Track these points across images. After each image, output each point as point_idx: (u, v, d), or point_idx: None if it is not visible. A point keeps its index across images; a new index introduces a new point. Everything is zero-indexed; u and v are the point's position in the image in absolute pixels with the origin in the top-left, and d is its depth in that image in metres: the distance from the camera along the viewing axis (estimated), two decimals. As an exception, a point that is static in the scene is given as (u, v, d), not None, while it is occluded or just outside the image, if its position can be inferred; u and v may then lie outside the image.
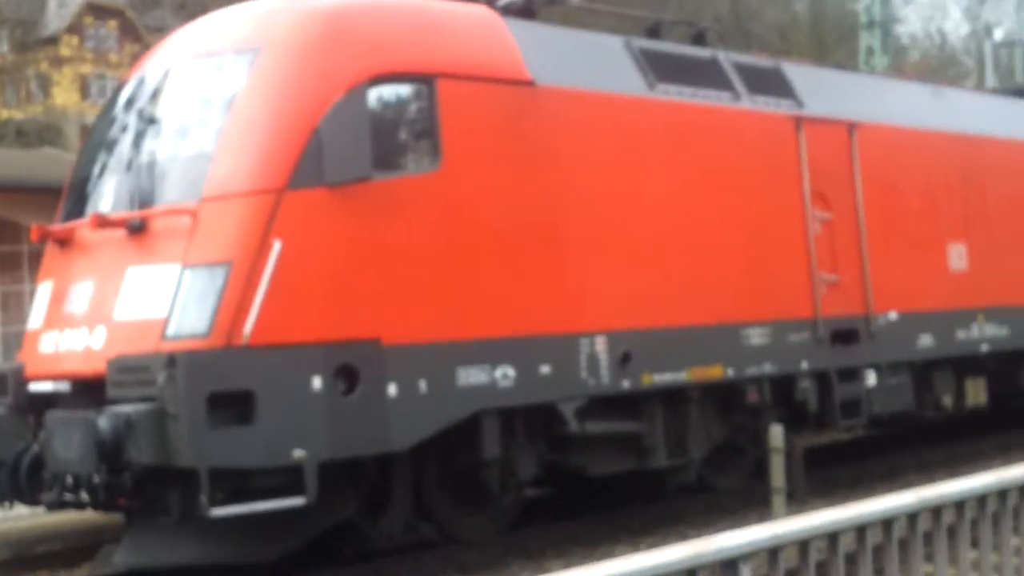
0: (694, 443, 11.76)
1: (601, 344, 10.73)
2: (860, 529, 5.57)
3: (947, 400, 14.57)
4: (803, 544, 5.30)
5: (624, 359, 10.85)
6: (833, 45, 41.23)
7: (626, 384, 10.89)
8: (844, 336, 12.95)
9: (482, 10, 11.07)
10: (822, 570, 5.62)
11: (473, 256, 9.92)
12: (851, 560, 5.69)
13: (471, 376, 9.77)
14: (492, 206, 10.12)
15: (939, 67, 49.41)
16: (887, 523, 5.71)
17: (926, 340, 13.83)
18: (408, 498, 10.22)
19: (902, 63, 43.83)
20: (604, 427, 10.97)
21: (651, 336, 11.10)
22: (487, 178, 10.14)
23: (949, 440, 16.22)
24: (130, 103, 10.31)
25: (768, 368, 12.14)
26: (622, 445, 11.32)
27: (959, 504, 6.01)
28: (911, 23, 53.23)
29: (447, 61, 10.16)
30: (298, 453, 8.65)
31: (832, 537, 5.46)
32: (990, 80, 29.26)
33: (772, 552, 5.11)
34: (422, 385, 9.43)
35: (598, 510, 12.07)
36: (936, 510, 5.92)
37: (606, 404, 10.94)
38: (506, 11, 11.29)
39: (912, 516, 5.78)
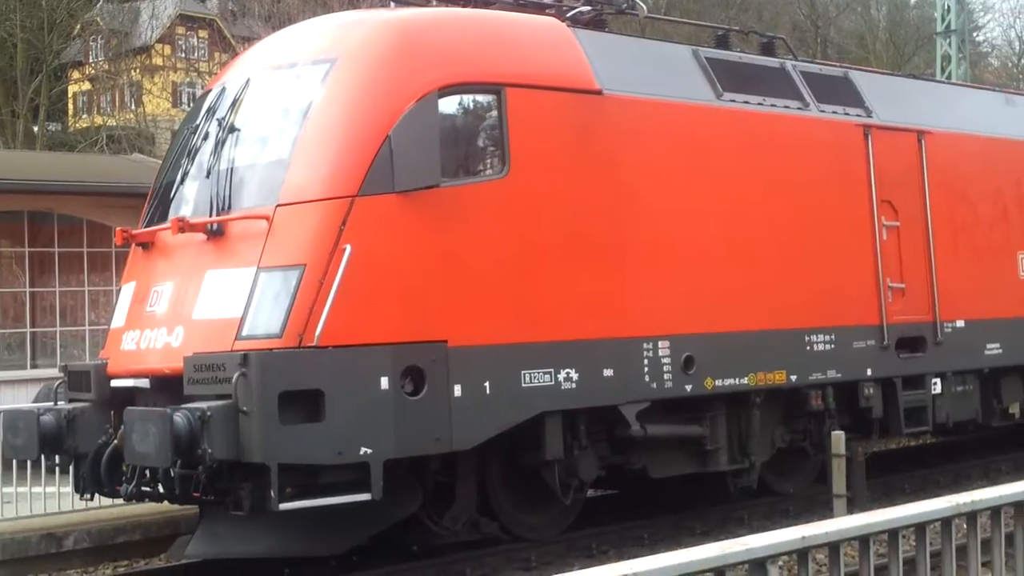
0: (756, 447, 11.87)
1: (664, 348, 10.88)
2: (892, 533, 5.62)
3: (1015, 408, 14.52)
4: (834, 547, 5.36)
5: (687, 363, 10.99)
6: (911, 52, 40.86)
7: (688, 388, 11.02)
8: (910, 343, 12.99)
9: (551, 21, 11.29)
10: (853, 575, 5.64)
11: (539, 261, 10.12)
12: (883, 568, 5.75)
13: (535, 378, 9.98)
14: (558, 212, 10.32)
15: (1020, 74, 48.62)
16: (920, 528, 5.75)
17: (994, 348, 13.81)
18: (472, 496, 10.48)
19: (981, 70, 43.24)
20: (666, 430, 11.12)
21: (714, 341, 11.23)
22: (554, 185, 10.34)
23: (1016, 448, 16.09)
24: (211, 112, 10.60)
25: (832, 374, 12.20)
26: (684, 448, 11.48)
27: (995, 510, 6.03)
28: (990, 30, 52.59)
29: (515, 71, 10.39)
30: (365, 451, 8.89)
31: (864, 541, 5.51)
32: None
33: (801, 554, 5.18)
34: (487, 386, 9.64)
35: (662, 511, 12.23)
36: (971, 516, 5.95)
37: (669, 407, 11.10)
38: (575, 22, 11.49)
39: (946, 521, 5.81)
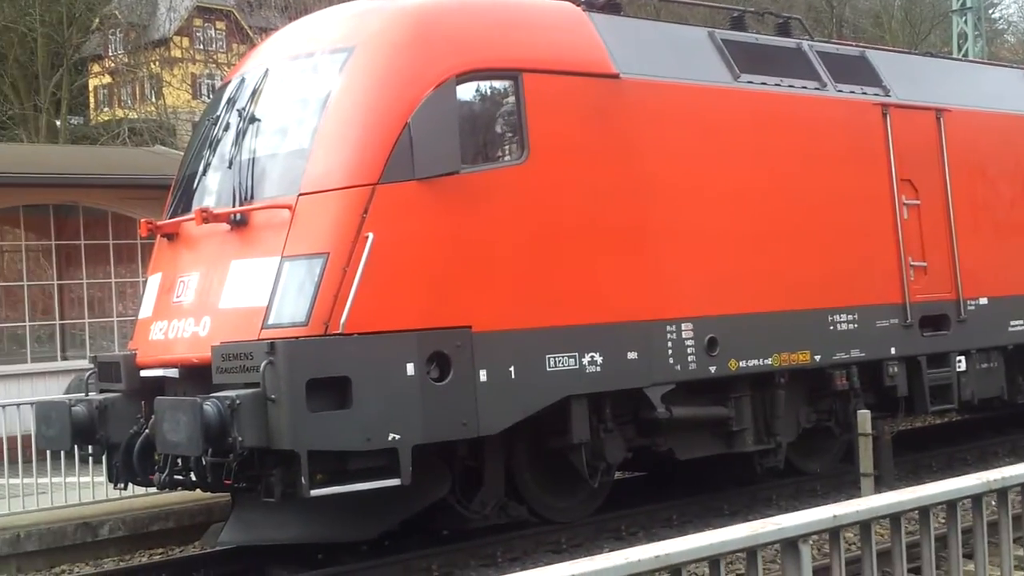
0: (782, 428, 11.89)
1: (687, 331, 10.91)
2: (923, 511, 5.62)
3: (1039, 385, 14.49)
4: (865, 525, 5.37)
5: (710, 345, 11.02)
6: (927, 30, 40.62)
7: (712, 370, 11.06)
8: (933, 321, 12.99)
9: (567, 5, 11.31)
10: (885, 553, 5.69)
11: (560, 245, 10.15)
12: (915, 544, 5.77)
13: (559, 362, 10.02)
14: (579, 196, 10.35)
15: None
16: (951, 505, 5.75)
17: (1018, 325, 13.80)
18: (500, 480, 10.54)
19: (997, 48, 42.95)
20: (692, 412, 11.15)
21: (737, 322, 11.26)
22: (573, 169, 10.37)
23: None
24: (231, 103, 10.64)
25: (856, 353, 12.21)
26: (710, 429, 11.52)
27: (1025, 487, 6.03)
28: (1006, 7, 52.20)
29: (532, 56, 10.43)
30: (393, 437, 8.96)
31: (895, 519, 5.52)
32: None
33: (833, 532, 5.19)
34: (512, 371, 9.69)
35: (689, 493, 12.28)
36: (1002, 492, 5.95)
37: (694, 389, 11.13)
38: (590, 6, 11.51)
39: (976, 498, 5.81)
